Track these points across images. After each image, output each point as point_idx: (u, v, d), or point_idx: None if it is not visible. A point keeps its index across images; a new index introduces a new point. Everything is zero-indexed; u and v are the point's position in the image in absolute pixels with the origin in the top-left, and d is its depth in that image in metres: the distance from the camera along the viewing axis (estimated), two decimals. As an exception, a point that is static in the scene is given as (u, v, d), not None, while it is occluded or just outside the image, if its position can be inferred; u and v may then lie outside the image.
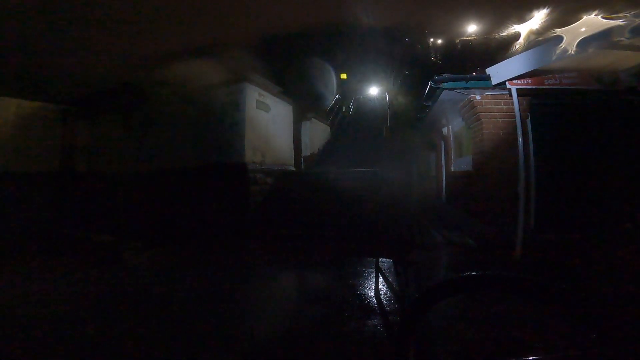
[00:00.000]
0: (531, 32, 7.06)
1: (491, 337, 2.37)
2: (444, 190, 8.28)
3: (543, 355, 1.30)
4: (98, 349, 2.31)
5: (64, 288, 3.63)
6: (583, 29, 4.07)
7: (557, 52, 4.16)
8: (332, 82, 12.80)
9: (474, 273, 1.27)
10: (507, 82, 4.48)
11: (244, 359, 2.18)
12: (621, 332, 1.13)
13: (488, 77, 4.56)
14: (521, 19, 6.90)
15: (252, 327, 2.78)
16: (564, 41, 4.20)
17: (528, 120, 4.69)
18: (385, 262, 4.36)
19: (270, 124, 8.07)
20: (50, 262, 4.69)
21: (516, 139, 4.46)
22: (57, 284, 3.75)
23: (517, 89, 4.50)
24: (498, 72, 4.47)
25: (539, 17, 6.78)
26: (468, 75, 4.96)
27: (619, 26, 3.79)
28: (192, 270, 4.40)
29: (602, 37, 3.92)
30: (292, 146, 9.47)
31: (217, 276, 4.13)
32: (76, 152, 8.91)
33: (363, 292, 3.43)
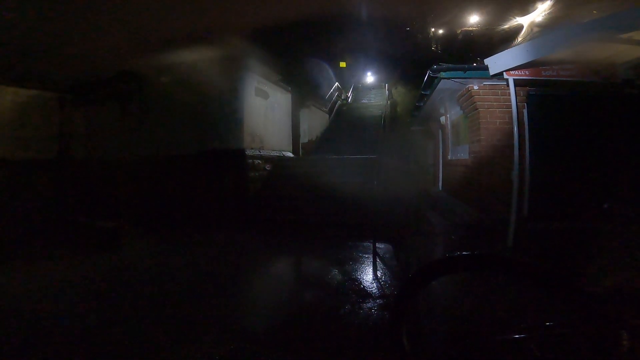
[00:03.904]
0: (533, 25, 7.03)
1: (478, 316, 2.49)
2: (440, 178, 8.39)
3: (527, 334, 1.41)
4: (100, 335, 2.38)
5: (66, 275, 3.70)
6: (584, 21, 4.07)
7: (556, 43, 4.19)
8: (331, 70, 12.75)
9: (465, 253, 1.36)
10: (504, 73, 4.51)
11: (244, 342, 2.26)
12: (604, 313, 1.23)
13: (486, 68, 4.58)
14: (524, 11, 6.86)
15: (251, 310, 2.89)
16: (562, 33, 4.21)
17: (525, 111, 4.73)
18: (382, 247, 4.48)
19: (269, 111, 8.08)
20: (51, 249, 4.73)
21: (512, 129, 4.54)
22: (60, 271, 3.82)
23: (514, 79, 4.53)
24: (496, 62, 4.50)
25: (542, 9, 6.74)
26: (466, 65, 4.98)
27: (619, 19, 3.81)
28: (191, 255, 4.49)
29: (601, 30, 3.94)
30: (291, 133, 9.51)
31: (216, 262, 4.23)
32: (74, 140, 8.89)
33: (360, 276, 3.54)
